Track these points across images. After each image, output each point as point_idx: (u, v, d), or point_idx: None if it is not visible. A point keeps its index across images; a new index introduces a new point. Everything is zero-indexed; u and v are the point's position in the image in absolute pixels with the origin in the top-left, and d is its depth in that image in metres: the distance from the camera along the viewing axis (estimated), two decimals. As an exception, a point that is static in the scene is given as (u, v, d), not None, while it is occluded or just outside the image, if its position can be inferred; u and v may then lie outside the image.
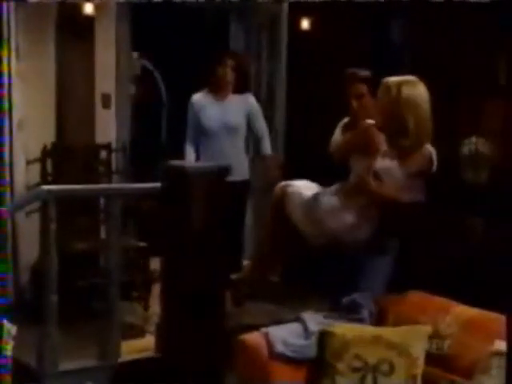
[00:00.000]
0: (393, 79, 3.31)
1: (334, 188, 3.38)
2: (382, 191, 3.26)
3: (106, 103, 5.68)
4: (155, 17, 5.63)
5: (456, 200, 5.33)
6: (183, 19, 6.13)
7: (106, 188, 4.26)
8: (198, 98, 5.23)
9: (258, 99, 5.54)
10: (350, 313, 3.49)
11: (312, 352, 3.08)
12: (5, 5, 4.98)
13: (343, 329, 3.05)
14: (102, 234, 5.15)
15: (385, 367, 2.89)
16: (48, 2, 5.23)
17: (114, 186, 4.26)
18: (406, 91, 3.25)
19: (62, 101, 5.42)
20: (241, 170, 5.11)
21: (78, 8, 5.33)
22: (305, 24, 6.14)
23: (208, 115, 5.14)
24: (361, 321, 3.37)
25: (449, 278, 4.59)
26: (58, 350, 3.85)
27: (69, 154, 5.40)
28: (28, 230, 4.98)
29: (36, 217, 4.53)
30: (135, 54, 6.29)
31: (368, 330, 3.13)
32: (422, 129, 3.30)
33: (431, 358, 2.95)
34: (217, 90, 5.18)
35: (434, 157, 3.37)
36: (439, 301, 3.24)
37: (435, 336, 3.00)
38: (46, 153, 5.39)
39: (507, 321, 2.33)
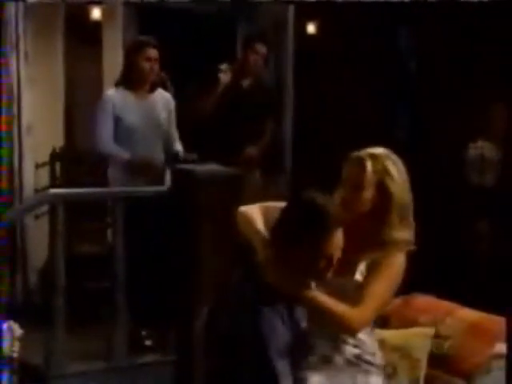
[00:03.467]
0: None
1: None
2: None
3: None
4: (162, 21, 5.66)
5: (461, 203, 5.34)
6: (190, 24, 6.15)
7: (112, 191, 4.28)
8: (114, 95, 4.39)
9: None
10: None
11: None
12: (14, 10, 5.04)
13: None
14: (110, 238, 5.18)
15: (388, 370, 2.90)
16: (56, 8, 5.28)
17: (120, 189, 4.27)
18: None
19: (71, 105, 5.47)
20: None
21: (85, 13, 5.38)
22: (311, 27, 6.17)
23: (133, 114, 4.36)
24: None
25: (453, 280, 4.59)
26: (65, 352, 3.88)
27: (77, 157, 5.44)
28: (36, 233, 5.02)
29: (44, 220, 4.57)
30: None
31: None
32: None
33: (433, 360, 2.96)
34: (137, 85, 4.40)
35: None
36: (443, 303, 3.24)
37: (437, 338, 3.00)
38: (54, 157, 5.45)
39: (507, 323, 2.34)
